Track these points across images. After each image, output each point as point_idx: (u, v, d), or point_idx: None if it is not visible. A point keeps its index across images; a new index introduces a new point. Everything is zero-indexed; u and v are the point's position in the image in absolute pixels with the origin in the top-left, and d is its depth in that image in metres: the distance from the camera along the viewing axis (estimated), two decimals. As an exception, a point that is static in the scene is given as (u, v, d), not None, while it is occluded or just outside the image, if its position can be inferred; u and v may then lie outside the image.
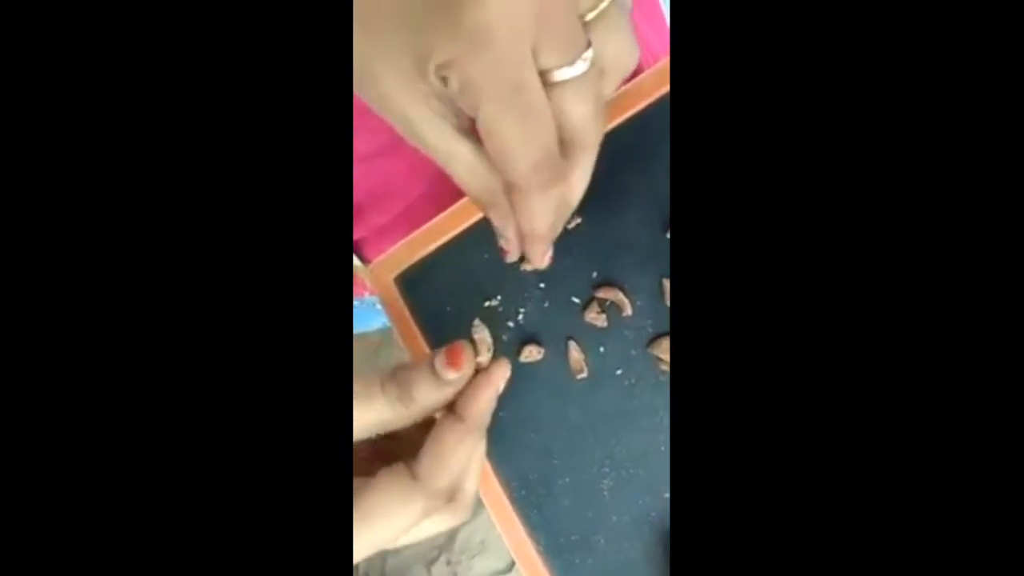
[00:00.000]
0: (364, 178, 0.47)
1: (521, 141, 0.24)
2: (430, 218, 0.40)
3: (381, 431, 0.28)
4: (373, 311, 0.58)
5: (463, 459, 0.27)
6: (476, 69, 0.22)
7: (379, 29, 0.22)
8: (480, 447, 0.29)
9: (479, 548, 1.17)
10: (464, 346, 0.27)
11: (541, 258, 0.31)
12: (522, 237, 0.28)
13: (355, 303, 0.57)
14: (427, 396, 0.27)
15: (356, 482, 0.26)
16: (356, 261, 0.47)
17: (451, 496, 0.27)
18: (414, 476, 0.26)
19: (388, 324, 0.42)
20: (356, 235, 0.50)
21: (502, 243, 0.29)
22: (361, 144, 0.44)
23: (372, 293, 0.44)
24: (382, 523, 0.25)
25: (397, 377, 0.27)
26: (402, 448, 0.29)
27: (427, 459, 0.26)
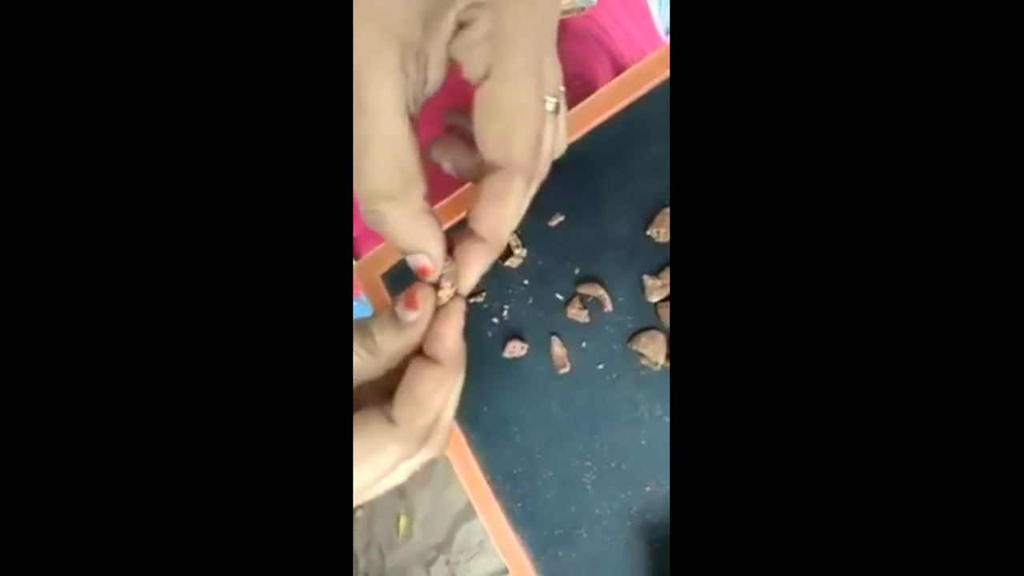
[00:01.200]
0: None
1: (534, 110, 0.23)
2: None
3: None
4: (369, 311, 0.58)
5: (442, 400, 0.26)
6: (516, 14, 0.22)
7: None
8: (458, 386, 0.28)
9: (477, 549, 1.17)
10: (421, 287, 0.26)
11: (475, 275, 0.27)
12: (476, 240, 0.26)
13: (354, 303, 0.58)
14: (390, 342, 0.26)
15: None
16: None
17: (427, 437, 0.26)
18: (391, 420, 0.25)
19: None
20: (347, 234, 0.51)
21: (422, 260, 0.26)
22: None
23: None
24: (357, 470, 0.25)
25: (360, 327, 0.26)
26: (370, 394, 0.28)
27: (404, 402, 0.25)
